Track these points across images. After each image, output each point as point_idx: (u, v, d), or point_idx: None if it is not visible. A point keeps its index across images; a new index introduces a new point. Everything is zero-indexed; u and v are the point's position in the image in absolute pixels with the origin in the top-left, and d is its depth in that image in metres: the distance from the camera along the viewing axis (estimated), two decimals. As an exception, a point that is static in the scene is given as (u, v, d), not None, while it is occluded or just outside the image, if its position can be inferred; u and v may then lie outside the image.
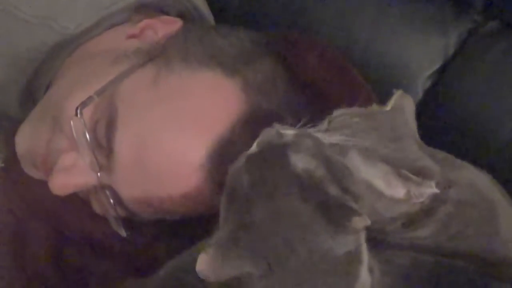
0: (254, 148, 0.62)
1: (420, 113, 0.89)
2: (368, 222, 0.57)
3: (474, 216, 0.64)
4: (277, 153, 0.61)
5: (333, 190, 0.59)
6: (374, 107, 0.68)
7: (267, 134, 0.62)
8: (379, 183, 0.60)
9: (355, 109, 0.67)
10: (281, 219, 0.58)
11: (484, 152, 0.88)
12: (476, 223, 0.64)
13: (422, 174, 0.59)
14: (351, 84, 0.83)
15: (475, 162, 0.69)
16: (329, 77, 0.82)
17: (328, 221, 0.57)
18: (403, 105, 0.67)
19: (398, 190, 0.60)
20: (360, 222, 0.57)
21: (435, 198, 0.61)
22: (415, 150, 0.63)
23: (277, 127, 0.63)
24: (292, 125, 0.64)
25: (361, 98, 0.80)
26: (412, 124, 0.68)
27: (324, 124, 0.65)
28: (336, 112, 0.66)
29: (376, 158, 0.61)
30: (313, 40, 0.88)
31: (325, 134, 0.63)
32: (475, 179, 0.67)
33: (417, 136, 0.67)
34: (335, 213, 0.57)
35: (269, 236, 0.57)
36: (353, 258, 0.58)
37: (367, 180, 0.60)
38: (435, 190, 0.59)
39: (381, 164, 0.60)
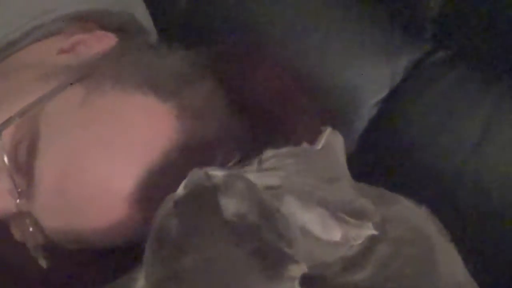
0: (181, 190, 0.60)
1: (365, 142, 0.89)
2: (305, 269, 0.55)
3: (411, 255, 0.63)
4: (207, 196, 0.58)
5: (267, 236, 0.56)
6: (305, 145, 0.66)
7: (195, 175, 0.60)
8: (316, 228, 0.59)
9: (287, 149, 0.65)
10: (213, 267, 0.55)
11: (429, 184, 0.86)
12: (413, 261, 0.63)
13: (359, 215, 0.58)
14: (298, 108, 0.81)
15: (418, 193, 0.68)
16: (274, 100, 0.79)
17: (263, 268, 0.55)
18: (333, 143, 0.66)
19: (335, 234, 0.59)
20: (297, 270, 0.55)
21: (373, 238, 0.60)
22: (350, 190, 0.62)
23: (205, 168, 0.60)
24: (229, 155, 0.63)
25: (308, 123, 0.78)
26: (343, 162, 0.66)
27: (254, 165, 0.62)
28: (267, 154, 0.64)
29: (312, 201, 0.59)
30: (259, 59, 0.85)
31: (259, 176, 0.61)
32: (411, 215, 0.66)
33: (348, 174, 0.66)
34: (270, 260, 0.55)
35: (200, 286, 0.55)
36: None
37: (304, 225, 0.58)
38: (373, 231, 0.58)
39: (317, 208, 0.59)
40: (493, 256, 0.82)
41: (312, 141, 0.66)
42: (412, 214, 0.66)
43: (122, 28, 0.85)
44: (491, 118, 0.85)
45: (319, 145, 0.65)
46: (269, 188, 0.60)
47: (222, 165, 0.65)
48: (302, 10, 0.94)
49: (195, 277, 0.55)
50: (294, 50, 0.93)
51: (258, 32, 0.94)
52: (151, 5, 0.93)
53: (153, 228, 0.60)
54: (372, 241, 0.60)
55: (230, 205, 0.57)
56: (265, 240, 0.56)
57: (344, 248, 0.59)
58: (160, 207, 0.61)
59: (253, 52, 0.88)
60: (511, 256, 0.82)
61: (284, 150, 0.64)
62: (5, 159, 0.68)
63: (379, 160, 0.87)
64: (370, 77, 0.91)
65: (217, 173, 0.60)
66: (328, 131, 0.66)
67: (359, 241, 0.59)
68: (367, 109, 0.90)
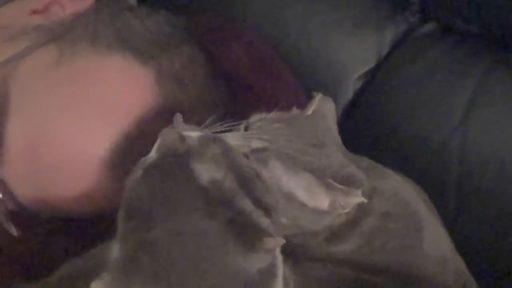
0: (153, 154, 0.56)
1: (350, 114, 0.87)
2: (281, 243, 0.52)
3: (397, 229, 0.61)
4: (179, 162, 0.55)
5: (243, 204, 0.53)
6: (295, 111, 0.63)
7: (168, 137, 0.56)
8: (302, 194, 0.56)
9: (275, 114, 0.62)
10: (185, 238, 0.52)
11: (413, 157, 0.85)
12: (399, 236, 0.61)
13: (348, 182, 0.56)
14: (278, 78, 0.78)
15: (404, 167, 0.67)
16: (254, 68, 0.77)
17: (238, 240, 0.52)
18: (324, 110, 0.63)
19: (322, 201, 0.57)
20: (272, 243, 0.52)
21: (358, 210, 0.58)
22: (339, 157, 0.60)
23: (179, 127, 0.57)
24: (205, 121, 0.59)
25: (287, 93, 0.76)
26: (334, 129, 0.64)
27: (241, 129, 0.60)
28: (254, 117, 0.61)
29: (299, 166, 0.56)
30: (240, 29, 0.83)
31: (243, 139, 0.58)
32: (399, 189, 0.64)
33: (340, 142, 0.63)
34: (244, 232, 0.52)
35: (173, 258, 0.51)
36: (267, 274, 0.54)
37: (289, 191, 0.56)
38: (362, 199, 0.56)
39: (304, 173, 0.56)
40: (473, 230, 0.82)
41: (292, 109, 0.64)
42: (401, 189, 0.64)
43: None
44: (478, 90, 0.84)
45: (309, 110, 0.62)
46: (254, 151, 0.57)
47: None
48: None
49: (165, 249, 0.52)
50: (275, 21, 0.91)
51: (238, 4, 0.92)
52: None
53: (123, 196, 0.56)
54: (358, 214, 0.59)
55: (204, 171, 0.54)
56: (240, 210, 0.53)
57: (330, 216, 0.58)
58: (131, 172, 0.57)
59: (232, 22, 0.86)
60: (488, 229, 0.81)
61: (272, 114, 0.62)
62: None
63: (364, 133, 0.86)
64: (356, 50, 0.89)
65: (192, 134, 0.57)
66: (318, 97, 0.63)
67: (347, 210, 0.57)
68: (352, 82, 0.89)
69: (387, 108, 0.87)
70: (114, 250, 0.55)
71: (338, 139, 0.63)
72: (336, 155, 0.60)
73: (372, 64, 0.89)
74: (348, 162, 0.60)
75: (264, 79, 0.76)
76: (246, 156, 0.58)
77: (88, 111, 0.66)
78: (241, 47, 0.77)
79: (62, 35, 0.69)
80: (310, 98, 0.64)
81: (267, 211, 0.54)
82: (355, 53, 0.89)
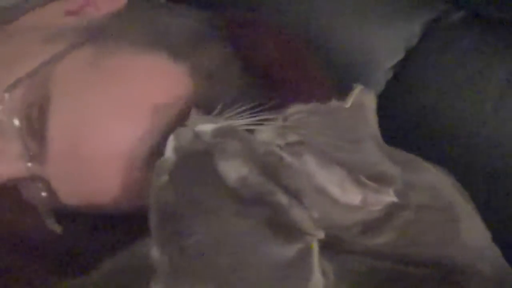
0: (170, 152, 0.57)
1: (382, 105, 0.87)
2: (321, 236, 0.53)
3: (434, 222, 0.61)
4: (203, 163, 0.55)
5: (274, 196, 0.54)
6: (333, 103, 0.63)
7: (183, 136, 0.57)
8: (334, 189, 0.57)
9: (312, 106, 0.62)
10: (226, 239, 0.53)
11: (445, 146, 0.85)
12: (436, 229, 0.61)
13: (380, 180, 0.56)
14: (310, 71, 0.79)
15: (435, 156, 0.66)
16: (286, 63, 0.77)
17: (276, 234, 0.52)
18: (363, 102, 0.63)
19: (354, 197, 0.57)
20: (311, 238, 0.53)
21: (393, 204, 0.58)
22: (375, 152, 0.60)
23: (192, 120, 0.57)
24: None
25: (319, 87, 0.76)
26: (373, 122, 0.64)
27: (279, 121, 0.60)
28: (292, 109, 0.61)
29: (332, 161, 0.57)
30: (269, 24, 0.83)
31: (279, 132, 0.58)
32: (435, 182, 0.64)
33: (378, 135, 0.63)
34: (282, 226, 0.53)
35: (216, 259, 0.52)
36: (305, 264, 0.54)
37: (321, 186, 0.56)
38: (393, 198, 0.56)
39: (337, 169, 0.56)
40: (505, 220, 0.82)
41: (330, 101, 0.64)
42: (437, 181, 0.64)
43: None
44: (509, 80, 0.83)
45: (348, 103, 0.62)
46: (289, 144, 0.58)
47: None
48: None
49: (208, 252, 0.53)
50: (303, 14, 0.91)
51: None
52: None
53: (152, 203, 0.57)
54: (393, 207, 0.58)
55: (230, 170, 0.55)
56: (272, 203, 0.53)
57: (362, 212, 0.58)
58: (154, 178, 0.58)
59: (261, 17, 0.86)
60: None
61: (309, 106, 0.62)
62: (16, 121, 0.66)
63: (396, 123, 0.85)
64: (386, 40, 0.89)
65: (205, 129, 0.57)
66: (358, 89, 0.63)
67: (379, 207, 0.57)
68: (384, 72, 0.88)
69: (418, 97, 0.87)
70: (154, 252, 0.55)
71: (376, 132, 0.63)
72: (371, 150, 0.60)
73: (402, 54, 0.89)
74: (382, 159, 0.59)
75: (297, 73, 0.76)
76: (279, 147, 0.58)
77: (125, 108, 0.67)
78: (271, 43, 0.77)
79: (98, 35, 0.70)
80: (348, 90, 0.63)
81: (298, 197, 0.54)
82: (386, 44, 0.89)
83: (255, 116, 0.61)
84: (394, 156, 0.61)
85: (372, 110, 0.64)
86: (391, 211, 0.59)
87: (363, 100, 0.63)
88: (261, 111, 0.62)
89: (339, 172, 0.57)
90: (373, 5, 0.91)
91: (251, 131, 0.60)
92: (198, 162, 0.55)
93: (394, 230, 0.59)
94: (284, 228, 0.53)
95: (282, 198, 0.54)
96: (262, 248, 0.53)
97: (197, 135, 0.56)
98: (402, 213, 0.59)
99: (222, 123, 0.58)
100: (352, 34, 0.90)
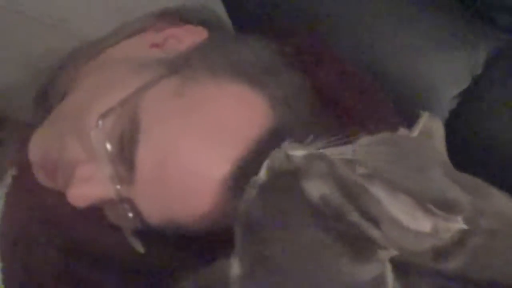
0: (263, 173, 0.60)
1: (446, 135, 0.88)
2: (394, 253, 0.55)
3: (505, 247, 0.62)
4: (290, 181, 0.58)
5: (352, 217, 0.56)
6: (401, 131, 0.65)
7: (276, 158, 0.60)
8: (404, 217, 0.58)
9: (380, 136, 0.64)
10: (301, 252, 0.56)
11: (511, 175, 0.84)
12: (507, 254, 0.62)
13: (449, 208, 0.57)
14: (376, 101, 0.81)
15: (502, 184, 0.66)
16: (353, 92, 0.80)
17: (351, 253, 0.55)
18: (431, 129, 0.65)
19: (424, 225, 0.58)
20: (385, 254, 0.55)
21: (464, 230, 0.58)
22: (443, 179, 0.61)
23: (286, 147, 0.60)
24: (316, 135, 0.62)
25: (386, 116, 0.79)
26: (442, 149, 0.65)
27: (348, 154, 0.62)
28: (361, 141, 0.63)
29: (400, 190, 0.58)
30: (335, 54, 0.86)
31: (348, 164, 0.60)
32: (504, 207, 0.65)
33: (447, 161, 0.65)
34: (358, 244, 0.55)
35: (290, 271, 0.55)
36: (378, 284, 0.56)
37: (391, 214, 0.58)
38: (462, 226, 0.57)
39: (405, 197, 0.58)
40: None
41: (398, 129, 0.65)
42: (507, 207, 0.64)
43: (205, 23, 0.86)
44: None
45: (416, 131, 0.64)
46: (358, 176, 0.59)
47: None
48: (374, 4, 0.94)
49: (285, 262, 0.55)
50: (365, 43, 0.92)
51: (329, 25, 0.94)
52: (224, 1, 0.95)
53: (238, 215, 0.60)
54: (464, 233, 0.59)
55: (313, 189, 0.57)
56: (351, 223, 0.56)
57: (433, 239, 0.58)
58: (244, 192, 0.61)
59: (327, 46, 0.89)
60: None
61: (377, 137, 0.64)
62: (108, 146, 0.70)
63: (460, 152, 0.86)
64: (450, 69, 0.90)
65: (298, 153, 0.59)
66: (425, 116, 0.64)
67: (449, 234, 0.58)
68: (447, 101, 0.89)
69: (483, 126, 0.88)
70: (234, 266, 0.58)
71: (445, 158, 0.64)
72: (439, 178, 0.61)
73: (466, 83, 0.90)
74: (450, 186, 0.60)
75: (364, 102, 0.79)
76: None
77: (209, 135, 0.70)
78: (338, 74, 0.80)
79: (182, 66, 0.74)
80: (414, 117, 0.65)
81: (376, 223, 0.56)
82: (449, 73, 0.90)
83: (325, 143, 0.63)
84: (463, 182, 0.62)
85: (440, 136, 0.66)
86: (462, 237, 0.60)
87: (431, 126, 0.65)
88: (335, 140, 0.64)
89: (408, 200, 0.58)
90: (437, 34, 0.91)
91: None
92: (286, 180, 0.58)
93: (466, 254, 0.60)
94: (358, 244, 0.55)
95: (358, 219, 0.56)
96: (336, 265, 0.55)
97: (288, 158, 0.59)
98: (473, 238, 0.60)
99: (313, 150, 0.61)
100: (415, 64, 0.91)
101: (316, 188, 0.57)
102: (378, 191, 0.58)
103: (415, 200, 0.57)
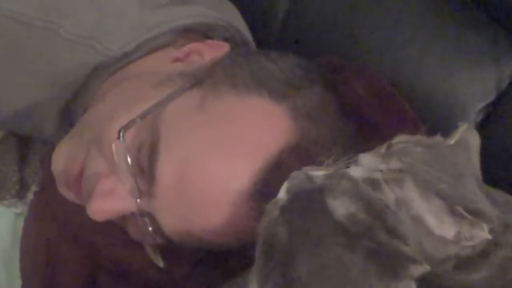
0: (283, 194, 0.59)
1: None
2: (428, 268, 0.54)
3: None
4: (313, 200, 0.57)
5: (380, 234, 0.55)
6: (438, 138, 0.64)
7: (296, 179, 0.59)
8: (430, 220, 0.57)
9: (419, 138, 0.63)
10: (329, 272, 0.54)
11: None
12: None
13: (477, 215, 0.56)
14: (402, 114, 0.81)
15: None
16: (377, 106, 0.80)
17: (382, 270, 0.54)
18: (468, 140, 0.64)
19: (448, 230, 0.57)
20: (418, 270, 0.54)
21: (490, 243, 0.58)
22: (474, 190, 0.60)
23: (304, 169, 0.59)
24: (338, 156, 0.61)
25: (409, 128, 0.78)
26: (475, 161, 0.65)
27: (382, 149, 0.61)
28: (399, 138, 0.63)
29: (432, 192, 0.57)
30: (361, 68, 0.86)
31: (382, 158, 0.59)
32: None
33: (479, 175, 0.64)
34: (387, 261, 0.54)
35: None
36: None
37: (418, 215, 0.57)
38: (487, 235, 0.56)
39: (436, 199, 0.57)
40: None
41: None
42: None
43: (227, 40, 0.87)
44: None
45: (452, 140, 0.63)
46: (391, 170, 0.59)
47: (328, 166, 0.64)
48: (399, 21, 0.93)
49: (311, 282, 0.54)
50: (392, 61, 0.92)
51: (355, 44, 0.93)
52: (248, 17, 0.95)
53: (260, 236, 0.59)
54: (489, 246, 0.59)
55: (338, 206, 0.57)
56: (379, 241, 0.55)
57: (455, 247, 0.58)
58: (265, 214, 0.60)
59: (353, 63, 0.88)
60: None
61: (415, 137, 0.63)
62: (129, 159, 0.70)
63: (485, 165, 0.85)
64: (475, 82, 0.89)
65: (318, 173, 0.59)
66: (463, 127, 0.64)
67: (471, 243, 0.57)
68: (473, 115, 0.88)
69: (508, 140, 0.86)
70: (252, 284, 0.57)
71: (477, 172, 0.64)
72: (471, 187, 0.60)
73: (492, 97, 0.89)
74: (481, 197, 0.60)
75: (389, 116, 0.78)
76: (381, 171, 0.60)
77: (231, 148, 0.69)
78: (363, 86, 0.80)
79: (204, 80, 0.74)
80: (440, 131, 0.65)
81: (404, 239, 0.56)
82: (475, 87, 0.89)
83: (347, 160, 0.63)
84: (494, 196, 0.61)
85: (475, 149, 0.65)
86: (487, 249, 0.59)
87: (468, 138, 0.64)
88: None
89: (437, 202, 0.57)
90: (464, 48, 0.90)
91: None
92: (309, 198, 0.58)
93: (491, 267, 0.59)
94: (389, 261, 0.54)
95: (386, 236, 0.55)
96: (365, 285, 0.54)
97: (309, 177, 0.59)
98: (499, 251, 0.59)
99: (333, 171, 0.60)
100: (441, 79, 0.90)
101: (342, 206, 0.57)
102: (410, 189, 0.58)
103: (446, 204, 0.57)
